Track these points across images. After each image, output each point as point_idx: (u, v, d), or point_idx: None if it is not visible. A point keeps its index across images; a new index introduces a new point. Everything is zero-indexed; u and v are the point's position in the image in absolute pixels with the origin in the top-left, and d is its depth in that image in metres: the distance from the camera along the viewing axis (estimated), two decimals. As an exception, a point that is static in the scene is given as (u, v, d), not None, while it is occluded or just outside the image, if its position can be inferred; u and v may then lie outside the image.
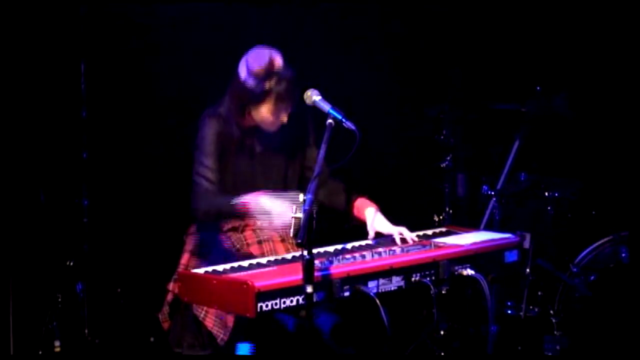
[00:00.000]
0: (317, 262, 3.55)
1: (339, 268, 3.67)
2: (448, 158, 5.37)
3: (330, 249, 4.04)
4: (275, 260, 3.89)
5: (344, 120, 3.75)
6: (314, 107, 3.88)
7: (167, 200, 5.42)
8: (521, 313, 5.12)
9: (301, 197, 3.53)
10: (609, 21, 5.58)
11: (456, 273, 3.96)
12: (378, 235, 4.18)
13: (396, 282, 3.79)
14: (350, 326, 4.20)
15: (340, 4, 5.76)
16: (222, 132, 4.16)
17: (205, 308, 3.96)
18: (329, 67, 5.66)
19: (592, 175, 5.45)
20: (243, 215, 4.04)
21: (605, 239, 5.17)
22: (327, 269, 3.64)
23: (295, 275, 3.53)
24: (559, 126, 5.53)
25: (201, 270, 3.78)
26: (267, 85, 4.06)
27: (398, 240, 4.10)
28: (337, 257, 3.81)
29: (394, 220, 4.21)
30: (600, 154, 5.60)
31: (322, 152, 3.62)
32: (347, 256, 3.84)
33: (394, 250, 3.95)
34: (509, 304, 5.19)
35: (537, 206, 5.26)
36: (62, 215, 5.20)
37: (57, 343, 5.00)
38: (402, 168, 5.97)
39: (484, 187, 5.35)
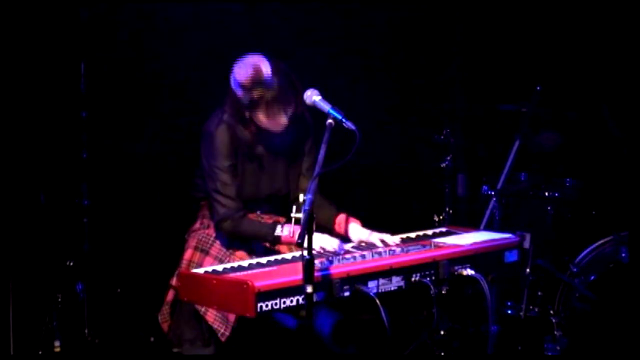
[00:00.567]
0: (317, 262, 3.55)
1: (339, 268, 3.67)
2: (448, 158, 5.36)
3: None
4: (275, 260, 3.89)
5: (344, 120, 3.75)
6: (314, 107, 3.89)
7: (167, 200, 5.43)
8: (521, 313, 5.11)
9: (301, 197, 3.53)
10: (610, 21, 5.58)
11: (456, 273, 3.96)
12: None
13: (396, 282, 3.79)
14: (351, 326, 4.21)
15: (340, 4, 5.76)
16: (233, 140, 4.18)
17: (205, 303, 3.96)
18: (329, 67, 5.66)
19: (592, 176, 5.45)
20: (278, 243, 4.10)
21: (605, 239, 5.17)
22: (327, 269, 3.64)
23: (295, 275, 3.53)
24: (561, 127, 5.53)
25: (201, 270, 3.79)
26: (255, 94, 4.08)
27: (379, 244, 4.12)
28: (337, 257, 3.81)
29: (394, 220, 4.21)
30: (600, 154, 5.59)
31: (322, 152, 3.63)
32: (347, 256, 3.84)
33: (394, 250, 3.95)
34: (509, 304, 5.19)
35: (537, 206, 5.26)
36: (62, 215, 5.20)
37: (57, 343, 5.00)
38: (402, 168, 5.97)
39: (484, 187, 5.35)
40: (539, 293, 5.15)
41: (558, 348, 4.98)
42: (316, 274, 3.48)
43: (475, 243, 4.11)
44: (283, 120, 4.14)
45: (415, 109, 5.89)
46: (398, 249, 3.96)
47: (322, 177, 3.56)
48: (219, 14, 5.48)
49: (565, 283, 5.10)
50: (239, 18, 5.54)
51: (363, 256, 3.84)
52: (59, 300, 5.05)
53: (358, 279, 3.68)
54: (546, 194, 5.24)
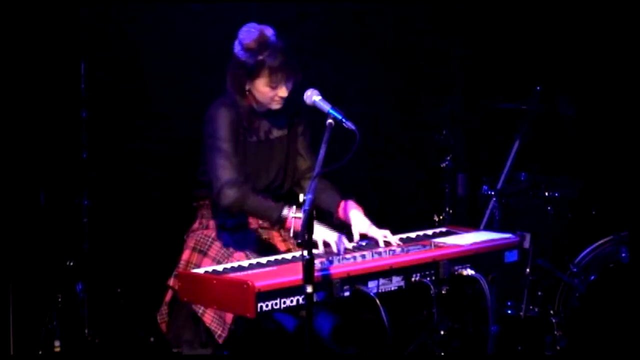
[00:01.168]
0: (317, 262, 3.55)
1: (339, 268, 3.67)
2: (448, 158, 5.36)
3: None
4: (275, 260, 3.89)
5: (344, 120, 3.75)
6: (314, 107, 3.88)
7: (167, 200, 5.43)
8: (521, 313, 5.11)
9: (301, 197, 3.53)
10: (609, 21, 5.58)
11: (456, 273, 3.95)
12: (362, 237, 4.16)
13: (396, 282, 3.79)
14: (351, 326, 4.21)
15: (340, 4, 5.76)
16: (234, 119, 4.15)
17: (204, 304, 3.96)
18: (329, 67, 5.66)
19: (592, 175, 5.45)
20: (280, 225, 4.04)
21: (605, 239, 5.17)
22: (327, 269, 3.64)
23: (295, 275, 3.53)
24: (559, 126, 5.52)
25: (201, 270, 3.78)
26: (260, 57, 4.06)
27: (382, 244, 4.08)
28: (337, 257, 3.81)
29: (393, 220, 4.21)
30: (600, 154, 5.59)
31: (322, 152, 3.62)
32: (347, 256, 3.84)
33: (394, 250, 3.95)
34: (509, 304, 5.19)
35: (537, 206, 5.26)
36: (62, 215, 5.20)
37: (57, 343, 5.00)
38: (402, 168, 5.97)
39: (484, 187, 5.35)
40: (539, 293, 5.15)
41: (558, 348, 4.98)
42: (316, 274, 3.48)
43: (475, 243, 4.11)
44: (283, 91, 4.10)
45: (415, 109, 5.89)
46: (398, 249, 3.96)
47: (322, 176, 3.56)
48: (219, 14, 5.47)
49: (565, 283, 5.10)
50: (240, 18, 5.53)
51: (363, 256, 3.84)
52: (59, 300, 5.05)
53: (358, 279, 3.68)
54: (546, 194, 5.24)
